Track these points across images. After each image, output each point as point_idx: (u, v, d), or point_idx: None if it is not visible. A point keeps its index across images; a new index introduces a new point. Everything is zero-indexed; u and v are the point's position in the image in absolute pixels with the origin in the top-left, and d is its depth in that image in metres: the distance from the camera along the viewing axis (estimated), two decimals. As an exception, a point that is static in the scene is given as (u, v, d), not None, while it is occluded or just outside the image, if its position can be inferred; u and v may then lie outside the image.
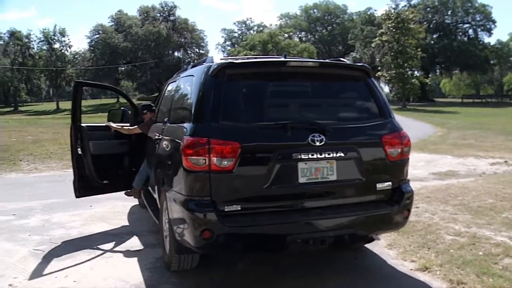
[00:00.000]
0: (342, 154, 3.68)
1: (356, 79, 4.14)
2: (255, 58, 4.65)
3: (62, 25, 71.04)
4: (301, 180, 3.60)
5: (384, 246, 4.92)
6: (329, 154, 3.63)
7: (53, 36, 60.17)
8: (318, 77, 4.08)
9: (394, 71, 43.69)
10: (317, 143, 3.57)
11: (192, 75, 4.16)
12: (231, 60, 3.88)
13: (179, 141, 3.65)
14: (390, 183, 3.92)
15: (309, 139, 3.57)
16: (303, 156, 3.56)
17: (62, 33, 60.59)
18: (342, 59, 4.50)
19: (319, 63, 4.09)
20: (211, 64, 3.81)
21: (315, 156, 3.59)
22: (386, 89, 48.72)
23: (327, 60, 4.47)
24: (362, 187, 3.84)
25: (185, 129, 3.66)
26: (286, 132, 3.55)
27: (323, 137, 3.59)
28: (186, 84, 4.37)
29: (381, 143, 3.88)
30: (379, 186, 3.88)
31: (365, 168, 3.79)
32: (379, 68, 45.72)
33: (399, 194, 3.95)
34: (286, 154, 3.55)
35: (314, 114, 3.97)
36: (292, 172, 3.58)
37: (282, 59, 4.09)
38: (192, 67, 4.71)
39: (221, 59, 4.11)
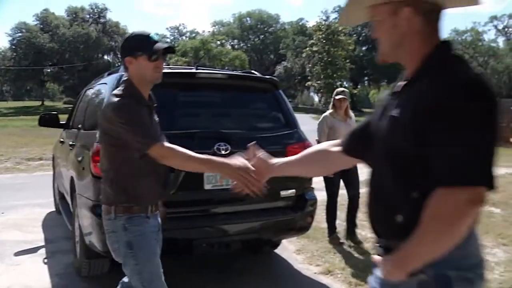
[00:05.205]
0: None
1: (264, 90, 4.36)
2: (169, 68, 4.78)
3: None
4: (207, 186, 3.74)
5: (293, 252, 5.12)
6: None
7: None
8: (227, 88, 4.25)
9: (323, 81, 45.01)
10: (223, 152, 3.71)
11: (106, 83, 4.22)
12: None
13: (89, 148, 3.70)
14: (294, 190, 4.09)
15: (215, 147, 3.71)
16: None
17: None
18: (253, 71, 4.70)
19: (228, 75, 4.28)
20: (123, 73, 3.89)
21: None
22: (315, 98, 50.06)
23: (235, 72, 4.68)
24: (267, 194, 4.03)
25: (95, 136, 3.72)
26: (193, 140, 3.67)
27: (228, 146, 3.73)
28: (100, 92, 4.42)
29: (286, 152, 4.08)
30: (283, 193, 4.04)
31: (269, 176, 3.99)
32: (309, 77, 46.98)
33: (303, 201, 4.16)
34: None
35: (221, 124, 4.13)
36: (197, 179, 3.69)
37: (193, 70, 4.26)
38: (108, 74, 4.75)
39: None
